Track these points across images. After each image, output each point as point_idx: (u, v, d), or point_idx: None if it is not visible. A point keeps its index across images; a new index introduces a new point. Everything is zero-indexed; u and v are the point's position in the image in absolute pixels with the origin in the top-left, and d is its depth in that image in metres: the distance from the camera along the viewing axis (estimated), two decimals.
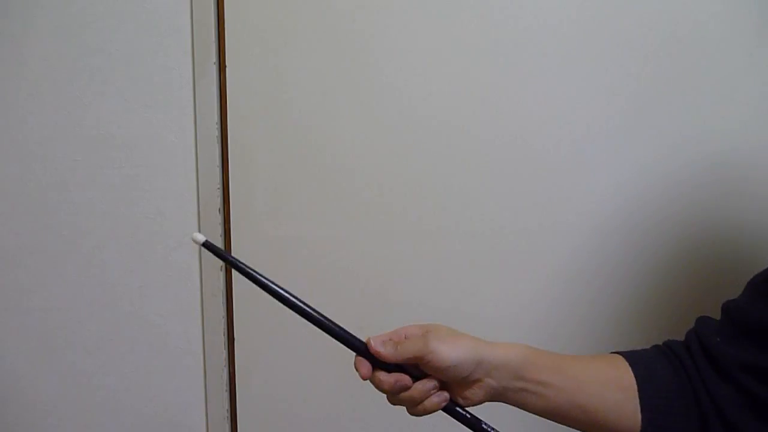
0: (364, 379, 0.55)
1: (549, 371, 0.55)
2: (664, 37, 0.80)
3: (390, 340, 0.55)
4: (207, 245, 0.55)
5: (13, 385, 1.01)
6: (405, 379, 0.54)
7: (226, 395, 0.98)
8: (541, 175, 0.84)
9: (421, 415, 0.56)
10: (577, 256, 0.85)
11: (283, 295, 0.54)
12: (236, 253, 0.94)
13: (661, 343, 0.60)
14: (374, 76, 0.87)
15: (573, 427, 0.57)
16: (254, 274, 0.54)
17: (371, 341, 0.54)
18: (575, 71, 0.82)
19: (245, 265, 0.54)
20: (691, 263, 0.82)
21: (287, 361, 0.95)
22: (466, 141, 0.86)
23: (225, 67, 0.90)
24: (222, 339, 0.96)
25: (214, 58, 0.90)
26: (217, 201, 0.93)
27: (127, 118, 0.93)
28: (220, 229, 0.93)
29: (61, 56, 0.92)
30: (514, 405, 0.56)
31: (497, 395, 0.55)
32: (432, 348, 0.52)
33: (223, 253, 0.58)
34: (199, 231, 0.94)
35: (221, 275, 0.94)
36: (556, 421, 0.57)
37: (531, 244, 0.85)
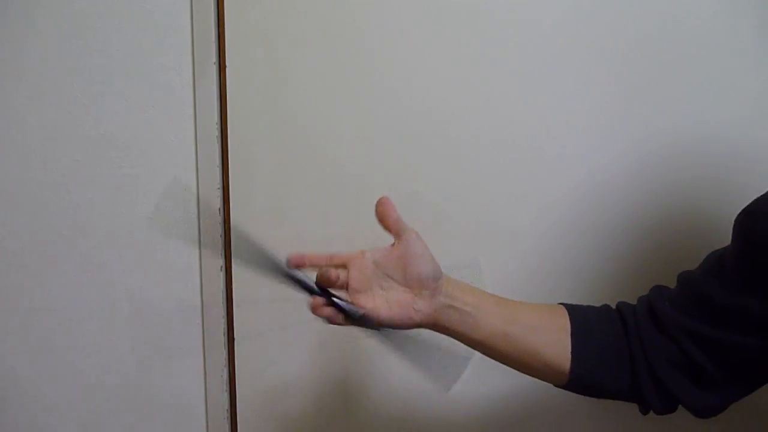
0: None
1: (488, 299, 0.60)
2: (662, 36, 0.80)
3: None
4: None
5: (13, 385, 1.01)
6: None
7: (226, 395, 0.98)
8: (537, 173, 0.85)
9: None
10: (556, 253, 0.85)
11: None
12: (236, 253, 0.94)
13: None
14: (374, 75, 0.87)
15: (506, 361, 0.60)
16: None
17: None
18: (572, 70, 0.82)
19: None
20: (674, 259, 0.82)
21: (287, 361, 0.95)
22: (463, 139, 0.86)
23: (225, 67, 0.90)
24: (222, 339, 0.96)
25: (214, 58, 0.90)
26: (217, 201, 0.93)
27: (127, 118, 0.93)
28: (220, 229, 0.93)
29: (61, 56, 0.93)
30: (457, 330, 0.59)
31: (444, 314, 0.58)
32: (416, 243, 0.59)
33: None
34: (199, 231, 0.94)
35: (221, 275, 0.94)
36: (492, 353, 0.60)
37: (516, 233, 0.86)
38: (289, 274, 0.59)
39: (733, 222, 0.55)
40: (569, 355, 0.58)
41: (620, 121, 0.82)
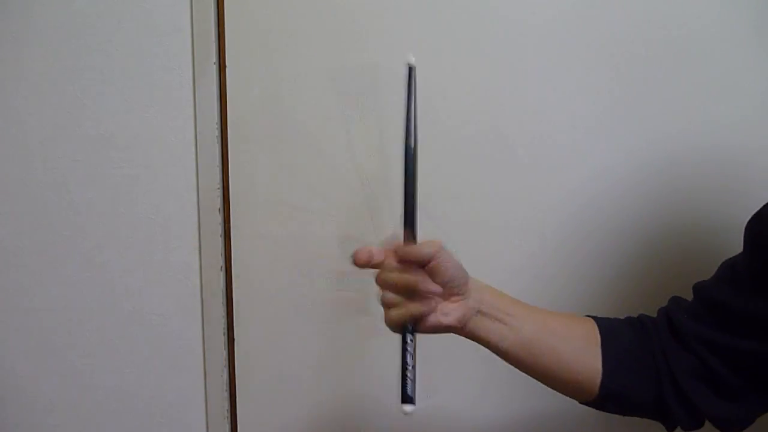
0: (361, 264, 0.55)
1: (518, 307, 0.58)
2: (664, 37, 0.80)
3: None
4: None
5: (13, 385, 1.01)
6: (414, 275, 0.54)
7: (226, 395, 0.98)
8: (541, 170, 0.85)
9: (396, 323, 0.55)
10: (558, 253, 0.85)
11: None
12: (236, 253, 0.94)
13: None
14: (373, 75, 0.86)
15: (536, 373, 0.58)
16: None
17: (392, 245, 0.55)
18: (570, 70, 0.82)
19: None
20: (679, 259, 0.82)
21: (287, 361, 0.95)
22: (465, 138, 0.86)
23: (225, 67, 0.90)
24: (222, 339, 0.96)
25: (214, 58, 0.90)
26: (217, 201, 0.93)
27: (127, 118, 0.93)
28: (220, 229, 0.93)
29: (61, 56, 0.92)
30: (487, 338, 0.57)
31: (475, 322, 0.57)
32: (444, 250, 0.55)
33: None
34: (199, 231, 0.94)
35: (221, 275, 0.94)
36: (522, 364, 0.58)
37: (509, 236, 0.86)
38: None
39: (743, 224, 0.55)
40: (600, 366, 0.57)
41: (624, 121, 0.82)
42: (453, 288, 0.56)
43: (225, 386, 0.97)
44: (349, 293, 0.90)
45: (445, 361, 0.89)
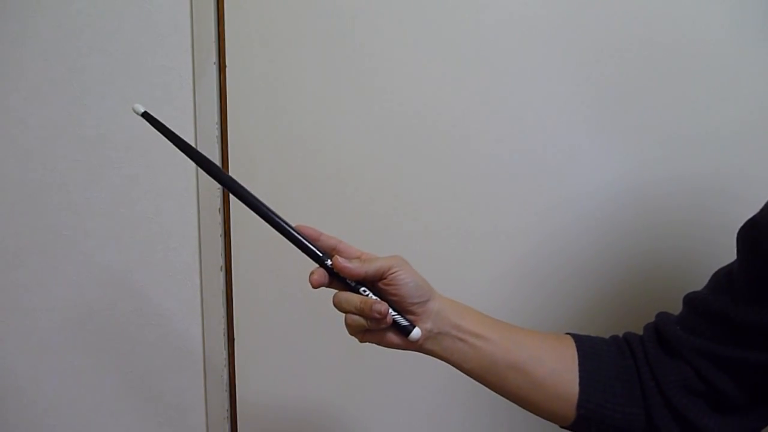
0: (315, 287, 0.57)
1: (488, 326, 0.56)
2: (659, 40, 0.80)
3: (357, 258, 0.57)
4: (147, 116, 0.58)
5: (13, 385, 1.01)
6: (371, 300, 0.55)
7: (226, 395, 0.98)
8: (534, 175, 0.85)
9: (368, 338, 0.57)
10: (554, 256, 0.85)
11: (242, 193, 0.59)
12: (236, 252, 0.94)
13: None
14: (373, 76, 0.87)
15: (506, 394, 0.57)
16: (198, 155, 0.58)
17: (337, 258, 0.56)
18: (570, 70, 0.82)
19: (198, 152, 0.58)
20: (674, 264, 0.82)
21: (287, 361, 0.95)
22: (462, 139, 0.86)
23: (225, 67, 0.90)
24: (222, 339, 0.96)
25: (214, 58, 0.90)
26: (217, 201, 0.93)
27: (127, 118, 0.93)
28: (220, 229, 0.93)
29: (61, 56, 0.93)
30: (449, 359, 0.56)
31: (434, 342, 0.55)
32: (397, 266, 0.55)
33: (165, 127, 0.60)
34: (199, 231, 0.94)
35: (221, 275, 0.94)
36: (491, 385, 0.56)
37: (507, 243, 0.86)
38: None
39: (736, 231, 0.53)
40: (576, 387, 0.54)
41: (621, 123, 0.82)
42: (407, 306, 0.55)
43: (225, 386, 0.97)
44: None
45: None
